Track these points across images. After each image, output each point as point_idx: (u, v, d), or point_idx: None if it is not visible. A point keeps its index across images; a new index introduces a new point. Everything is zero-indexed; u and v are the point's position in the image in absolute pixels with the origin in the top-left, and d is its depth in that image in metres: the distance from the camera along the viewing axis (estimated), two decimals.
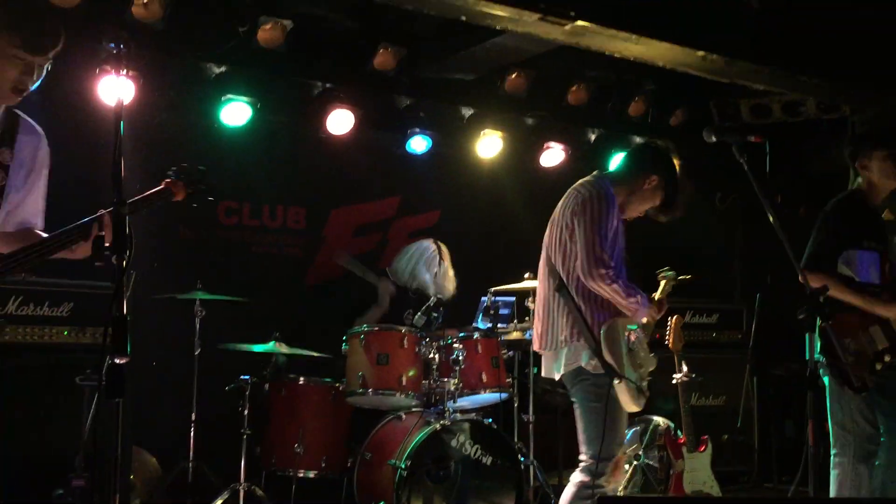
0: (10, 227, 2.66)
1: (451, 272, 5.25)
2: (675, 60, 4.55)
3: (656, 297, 3.71)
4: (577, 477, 3.44)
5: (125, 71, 2.33)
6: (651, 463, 5.10)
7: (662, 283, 3.86)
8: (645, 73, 5.47)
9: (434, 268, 5.14)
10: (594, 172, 3.72)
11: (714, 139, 3.27)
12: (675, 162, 3.74)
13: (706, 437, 4.98)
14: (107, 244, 1.99)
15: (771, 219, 2.99)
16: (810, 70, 4.79)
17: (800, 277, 3.04)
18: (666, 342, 4.92)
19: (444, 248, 5.28)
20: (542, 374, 3.68)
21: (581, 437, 3.49)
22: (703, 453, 4.94)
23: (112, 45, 2.28)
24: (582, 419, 3.48)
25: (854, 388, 3.61)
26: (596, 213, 3.49)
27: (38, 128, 2.71)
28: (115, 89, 2.35)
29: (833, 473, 3.73)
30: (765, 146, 3.16)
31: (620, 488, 3.53)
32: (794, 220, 4.99)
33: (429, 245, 5.24)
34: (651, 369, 3.60)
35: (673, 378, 4.89)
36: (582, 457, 3.47)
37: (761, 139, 3.15)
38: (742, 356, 6.09)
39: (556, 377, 3.58)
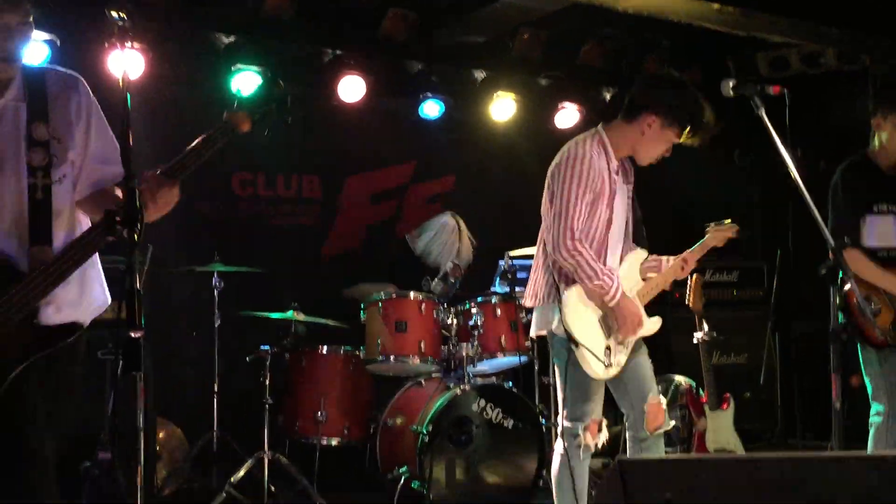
0: (86, 192, 2.47)
1: (469, 242, 5.26)
2: (690, 14, 4.47)
3: (684, 254, 3.57)
4: (558, 445, 3.41)
5: (131, 44, 2.30)
6: (673, 422, 5.09)
7: (707, 237, 3.66)
8: (659, 29, 5.37)
9: (455, 244, 5.16)
10: (597, 125, 3.48)
11: (732, 93, 3.20)
12: (678, 88, 3.40)
13: (728, 395, 4.96)
14: (118, 218, 1.98)
15: (792, 173, 2.93)
16: (829, 20, 4.69)
17: (830, 254, 2.98)
18: (686, 301, 4.89)
19: (462, 223, 5.29)
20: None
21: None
22: (726, 411, 4.93)
23: (116, 17, 2.23)
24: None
25: (875, 344, 3.59)
26: (567, 180, 3.27)
27: (68, 75, 2.49)
28: (121, 63, 2.30)
29: (871, 430, 3.71)
30: (784, 99, 3.07)
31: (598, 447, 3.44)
32: (815, 175, 4.92)
33: (447, 221, 5.25)
34: (647, 334, 3.48)
35: (694, 337, 4.87)
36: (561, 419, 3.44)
37: (780, 90, 3.07)
38: (764, 313, 6.04)
39: (534, 335, 3.54)
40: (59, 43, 4.53)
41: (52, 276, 2.27)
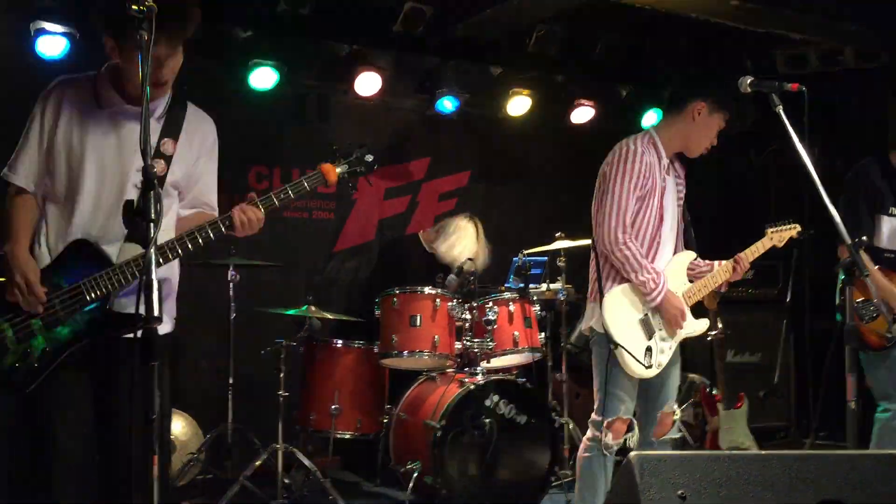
0: (184, 212, 2.83)
1: (485, 247, 5.30)
2: (708, 10, 4.44)
3: (737, 256, 3.56)
4: (588, 433, 3.51)
5: (149, 37, 2.32)
6: (687, 420, 5.09)
7: (765, 237, 3.66)
8: (677, 26, 5.35)
9: (473, 247, 5.19)
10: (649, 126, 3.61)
11: (749, 90, 3.19)
12: (717, 75, 3.57)
13: (742, 393, 4.95)
14: (135, 209, 2.01)
15: (809, 171, 2.92)
16: (849, 17, 4.65)
17: (841, 251, 2.97)
18: (701, 300, 4.87)
19: (479, 225, 5.31)
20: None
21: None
22: (740, 410, 4.91)
23: (136, 11, 2.25)
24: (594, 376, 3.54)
25: (875, 348, 3.62)
26: (618, 176, 3.37)
27: (206, 115, 2.85)
28: (141, 58, 2.32)
29: (875, 426, 3.72)
30: (802, 96, 3.05)
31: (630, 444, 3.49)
32: (830, 172, 4.89)
33: (467, 225, 5.28)
34: (693, 334, 3.53)
35: (708, 335, 4.85)
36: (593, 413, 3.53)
37: (798, 87, 3.05)
38: (778, 312, 6.02)
39: (583, 327, 3.63)
40: (78, 36, 4.56)
41: (134, 271, 2.56)
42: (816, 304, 5.71)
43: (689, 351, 5.82)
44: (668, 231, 3.49)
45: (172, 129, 2.73)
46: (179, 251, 2.63)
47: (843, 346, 2.72)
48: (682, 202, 3.58)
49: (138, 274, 2.54)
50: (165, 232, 2.71)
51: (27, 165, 2.69)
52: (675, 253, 3.55)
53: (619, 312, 3.38)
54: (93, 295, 2.56)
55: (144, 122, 2.20)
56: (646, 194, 3.38)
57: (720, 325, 4.91)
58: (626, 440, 3.44)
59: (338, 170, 2.86)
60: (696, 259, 3.60)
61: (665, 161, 3.46)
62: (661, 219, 3.43)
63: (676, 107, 3.50)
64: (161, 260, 2.58)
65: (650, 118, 6.01)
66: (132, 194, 2.55)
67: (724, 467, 1.82)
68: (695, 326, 3.54)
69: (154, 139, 2.67)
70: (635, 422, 3.47)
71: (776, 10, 4.39)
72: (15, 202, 2.70)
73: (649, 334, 3.41)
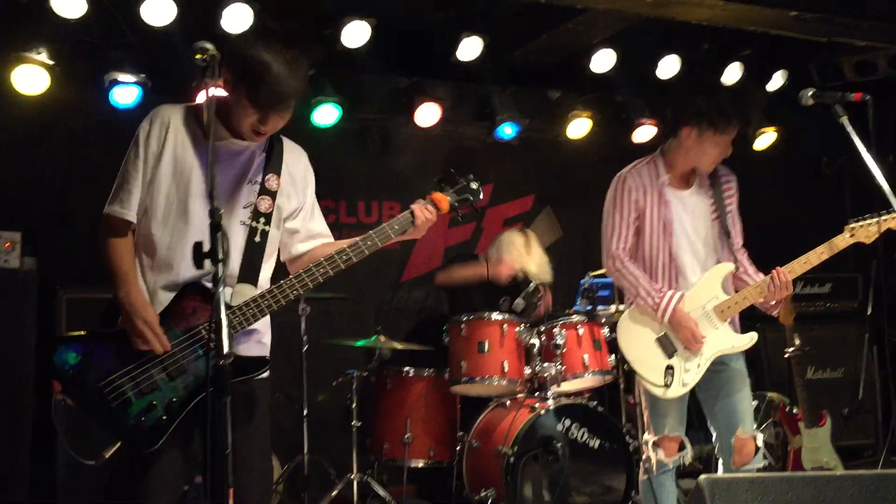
0: (305, 247, 2.80)
1: (542, 258, 5.24)
2: (768, 23, 4.38)
3: (775, 271, 3.31)
4: (643, 455, 3.51)
5: (215, 82, 2.41)
6: (767, 440, 4.95)
7: (841, 237, 3.32)
8: (739, 39, 5.27)
9: (520, 260, 5.17)
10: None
11: (811, 102, 3.14)
12: (702, 90, 3.38)
13: (825, 411, 4.80)
14: (205, 251, 2.07)
15: (877, 179, 2.85)
16: None
17: None
18: (776, 315, 4.76)
19: (532, 236, 5.29)
20: None
21: None
22: (823, 428, 4.76)
23: (200, 60, 2.35)
24: None
25: None
26: (607, 206, 3.50)
27: (299, 147, 2.85)
28: (206, 100, 2.43)
29: None
30: (866, 105, 2.98)
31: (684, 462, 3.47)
32: None
33: (514, 238, 5.26)
34: (736, 350, 3.40)
35: (785, 352, 4.73)
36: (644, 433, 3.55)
37: (861, 97, 2.99)
38: (859, 326, 5.82)
39: None
40: (149, 85, 4.76)
41: (255, 311, 2.52)
42: None
43: (767, 369, 5.70)
44: (688, 244, 3.42)
45: (274, 164, 2.69)
46: (346, 259, 2.66)
47: None
48: (718, 214, 3.46)
49: (258, 314, 2.50)
50: (270, 275, 2.68)
51: (135, 200, 2.56)
52: (717, 264, 3.45)
53: (632, 333, 3.40)
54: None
55: (211, 166, 2.28)
56: (640, 214, 3.42)
57: (797, 342, 4.78)
58: (681, 458, 3.39)
59: (449, 199, 2.84)
60: (739, 270, 3.47)
61: (664, 177, 3.43)
62: (669, 233, 3.39)
63: (672, 133, 3.46)
64: (322, 272, 2.59)
65: None
66: (239, 232, 2.57)
67: (797, 489, 1.78)
68: (734, 342, 3.39)
69: (259, 176, 2.65)
70: (686, 440, 3.42)
71: (837, 17, 4.29)
72: (116, 243, 2.54)
73: (669, 353, 3.35)
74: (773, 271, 3.34)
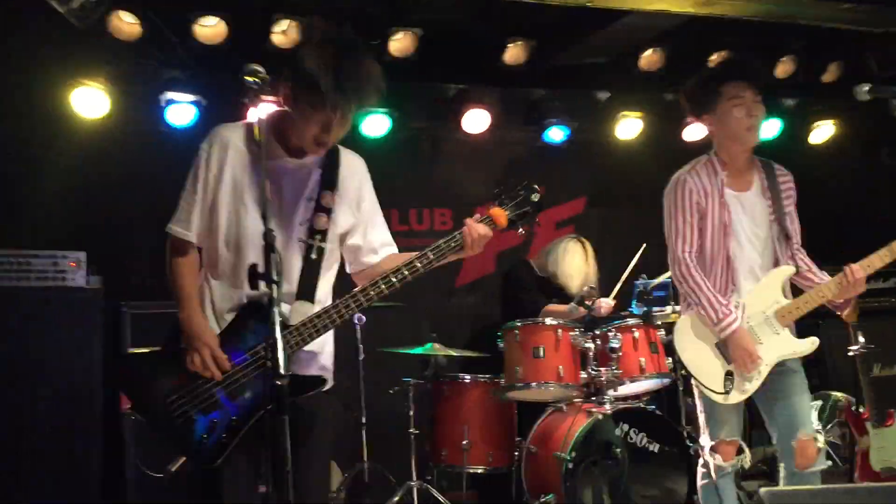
0: (369, 260, 2.77)
1: (595, 268, 5.25)
2: (819, 16, 4.29)
3: (847, 268, 3.23)
4: (700, 459, 3.49)
5: (266, 99, 2.47)
6: (833, 440, 4.84)
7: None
8: (789, 32, 5.17)
9: (582, 268, 5.15)
10: None
11: (868, 97, 3.08)
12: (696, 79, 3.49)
13: (892, 410, 4.66)
14: (260, 272, 2.12)
15: None
16: None
17: None
18: (838, 313, 4.65)
19: (587, 244, 5.27)
20: None
21: None
22: (891, 428, 4.63)
23: (251, 82, 2.41)
24: None
25: None
26: (668, 209, 3.45)
27: (357, 157, 2.80)
28: (255, 119, 2.49)
29: None
30: None
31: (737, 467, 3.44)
32: None
33: (573, 245, 5.24)
34: (797, 355, 3.33)
35: (849, 351, 4.62)
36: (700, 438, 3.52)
37: None
38: None
39: None
40: (204, 104, 4.87)
41: (311, 331, 2.53)
42: None
43: (832, 368, 5.57)
44: (748, 246, 3.36)
45: (330, 180, 2.67)
46: (402, 278, 2.55)
47: None
48: (777, 215, 3.39)
49: (315, 333, 2.50)
50: (328, 291, 2.67)
51: (196, 221, 2.59)
52: (775, 267, 3.38)
53: (690, 338, 3.36)
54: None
55: (262, 186, 2.32)
56: (703, 215, 3.36)
57: (861, 339, 4.66)
58: (739, 462, 3.34)
59: (508, 214, 2.69)
60: (802, 269, 3.40)
61: (722, 174, 3.38)
62: (727, 234, 3.34)
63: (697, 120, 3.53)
64: (378, 292, 2.53)
65: (768, 128, 5.82)
66: (296, 250, 2.58)
67: (859, 501, 1.74)
68: (795, 347, 3.33)
69: (315, 193, 2.64)
70: (744, 444, 3.40)
71: (889, 8, 4.18)
72: (180, 263, 2.59)
73: (728, 359, 3.30)
74: (846, 268, 3.25)
